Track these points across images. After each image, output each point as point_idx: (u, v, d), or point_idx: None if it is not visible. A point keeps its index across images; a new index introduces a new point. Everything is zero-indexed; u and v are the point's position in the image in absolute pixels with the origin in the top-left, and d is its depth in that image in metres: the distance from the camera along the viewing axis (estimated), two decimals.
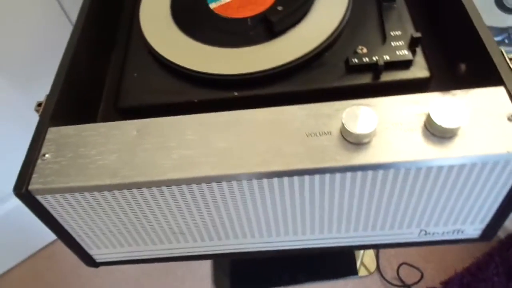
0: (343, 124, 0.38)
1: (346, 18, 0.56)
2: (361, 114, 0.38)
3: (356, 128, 0.37)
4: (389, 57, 0.51)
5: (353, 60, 0.52)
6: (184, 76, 0.54)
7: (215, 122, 0.42)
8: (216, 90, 0.53)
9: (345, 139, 0.39)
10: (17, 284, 1.27)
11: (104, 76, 0.62)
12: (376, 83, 0.51)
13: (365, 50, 0.54)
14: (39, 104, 0.48)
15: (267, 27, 0.55)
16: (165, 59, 0.55)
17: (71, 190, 0.41)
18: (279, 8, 0.54)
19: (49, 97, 0.48)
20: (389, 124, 0.40)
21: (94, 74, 0.60)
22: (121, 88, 0.55)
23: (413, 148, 0.38)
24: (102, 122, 0.55)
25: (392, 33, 0.54)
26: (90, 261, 0.54)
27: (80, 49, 0.56)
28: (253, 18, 0.58)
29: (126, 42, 0.62)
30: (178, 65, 0.54)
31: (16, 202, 1.16)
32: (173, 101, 0.53)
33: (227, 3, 0.60)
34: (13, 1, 0.92)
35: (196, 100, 0.52)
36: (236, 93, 0.52)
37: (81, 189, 0.40)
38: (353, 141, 0.39)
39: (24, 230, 1.24)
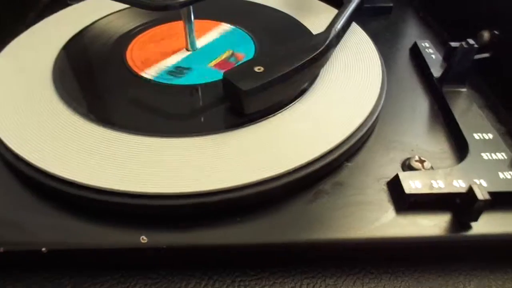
0: None
1: (382, 101, 0.29)
2: None
3: None
4: (487, 183, 0.24)
5: (411, 184, 0.24)
6: (36, 189, 0.24)
7: None
8: (103, 227, 0.22)
9: None
10: None
11: None
12: (464, 240, 0.23)
13: (427, 164, 0.26)
14: None
15: (232, 104, 0.28)
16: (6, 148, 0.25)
17: None
18: (257, 68, 0.27)
19: None
20: None
21: None
22: None
23: None
24: None
25: (477, 136, 0.27)
26: None
27: None
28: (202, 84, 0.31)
29: None
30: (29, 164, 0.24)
31: None
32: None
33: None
34: None
35: (44, 250, 0.21)
36: (144, 238, 0.22)
37: None
38: None
39: None
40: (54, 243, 0.22)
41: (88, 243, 0.22)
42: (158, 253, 0.22)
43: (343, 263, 0.23)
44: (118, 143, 0.25)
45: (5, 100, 0.29)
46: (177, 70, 0.32)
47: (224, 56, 0.33)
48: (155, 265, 0.23)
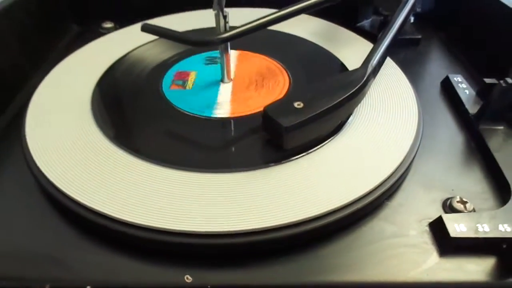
0: None
1: (420, 136, 0.29)
2: None
3: None
4: None
5: (455, 227, 0.23)
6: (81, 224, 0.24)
7: None
8: (147, 265, 0.22)
9: None
10: None
11: None
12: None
13: (470, 206, 0.26)
14: None
15: (271, 138, 0.28)
16: (54, 187, 0.25)
17: None
18: (297, 104, 0.27)
19: None
20: None
21: None
22: None
23: None
24: None
25: None
26: None
27: None
28: (240, 119, 0.31)
29: None
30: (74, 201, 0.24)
31: None
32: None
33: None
34: None
35: None
36: (188, 278, 0.22)
37: None
38: None
39: None
40: (98, 281, 0.22)
41: (131, 282, 0.22)
42: None
43: None
44: (176, 181, 0.25)
45: (50, 136, 0.29)
46: None
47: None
48: None
